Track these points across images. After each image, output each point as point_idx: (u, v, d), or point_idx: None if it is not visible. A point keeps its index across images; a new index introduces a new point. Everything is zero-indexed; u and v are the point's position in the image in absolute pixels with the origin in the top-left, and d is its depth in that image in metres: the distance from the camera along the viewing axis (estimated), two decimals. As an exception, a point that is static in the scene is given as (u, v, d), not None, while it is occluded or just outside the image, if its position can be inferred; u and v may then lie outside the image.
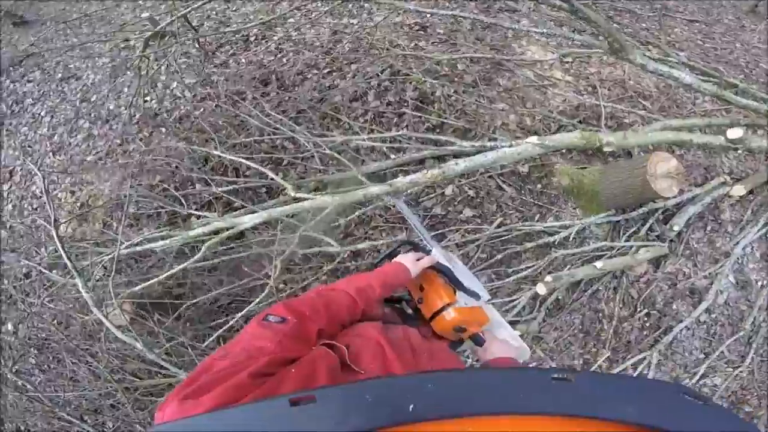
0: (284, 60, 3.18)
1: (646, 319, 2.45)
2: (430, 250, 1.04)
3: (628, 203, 2.40)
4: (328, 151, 2.09)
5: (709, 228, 2.60)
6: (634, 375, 2.28)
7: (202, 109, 3.01)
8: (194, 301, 1.82)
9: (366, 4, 3.34)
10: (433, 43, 3.15)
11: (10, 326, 2.46)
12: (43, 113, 3.51)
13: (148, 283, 1.52)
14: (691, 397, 0.41)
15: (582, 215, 2.48)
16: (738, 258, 2.54)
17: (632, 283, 2.48)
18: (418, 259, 0.96)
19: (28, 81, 3.81)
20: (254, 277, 2.01)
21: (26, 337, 2.31)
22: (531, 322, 2.30)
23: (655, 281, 2.47)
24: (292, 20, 3.42)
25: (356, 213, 2.32)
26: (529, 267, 2.34)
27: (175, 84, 3.23)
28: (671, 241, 2.50)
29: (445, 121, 2.62)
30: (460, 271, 1.00)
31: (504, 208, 2.49)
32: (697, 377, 2.33)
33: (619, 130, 2.50)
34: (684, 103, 2.91)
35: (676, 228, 2.43)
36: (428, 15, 3.12)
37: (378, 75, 2.89)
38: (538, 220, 2.46)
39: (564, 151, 2.59)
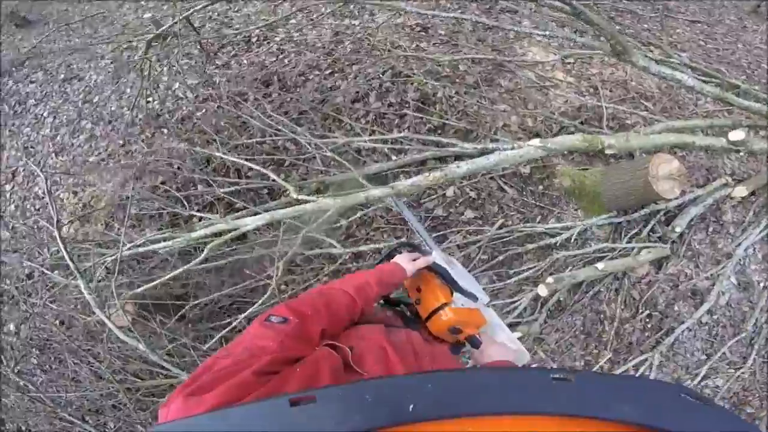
0: (286, 61, 3.18)
1: (647, 320, 2.45)
2: (430, 252, 1.04)
3: (629, 205, 2.40)
4: (329, 153, 2.09)
5: (711, 229, 2.60)
6: (635, 375, 2.28)
7: (204, 110, 3.01)
8: (196, 302, 1.82)
9: (367, 6, 3.34)
10: (434, 44, 3.15)
11: (12, 327, 2.47)
12: (45, 114, 3.52)
13: (151, 284, 1.52)
14: (691, 398, 0.41)
15: (583, 216, 2.48)
16: (740, 259, 2.53)
17: (634, 284, 2.48)
18: (414, 260, 0.96)
19: (31, 82, 3.82)
20: (256, 278, 2.01)
21: (28, 338, 2.32)
22: (532, 324, 2.30)
23: (657, 282, 2.46)
24: (293, 21, 3.42)
25: (358, 214, 2.33)
26: (530, 268, 2.34)
27: (177, 85, 3.23)
28: (673, 242, 2.50)
29: (447, 122, 2.62)
30: (459, 273, 1.00)
31: (505, 210, 2.49)
32: (699, 378, 2.33)
33: (620, 131, 2.50)
34: (686, 104, 2.91)
35: (678, 229, 2.42)
36: (430, 16, 3.12)
37: (379, 76, 2.89)
38: (539, 222, 2.46)
39: (566, 152, 2.59)
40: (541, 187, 2.53)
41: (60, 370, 2.23)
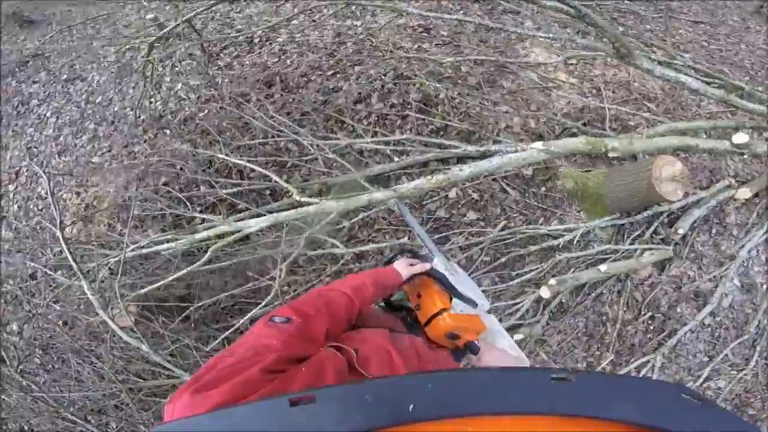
0: (288, 62, 3.18)
1: (650, 322, 2.44)
2: (431, 259, 1.04)
3: (633, 206, 2.39)
4: (331, 155, 2.09)
5: (714, 231, 2.59)
6: (635, 375, 2.28)
7: (206, 111, 3.02)
8: (199, 304, 1.82)
9: (369, 7, 3.34)
10: (436, 45, 3.15)
11: (15, 327, 2.48)
12: (48, 114, 3.53)
13: (154, 285, 1.52)
14: (691, 398, 0.41)
15: (586, 218, 2.48)
16: (743, 261, 2.52)
17: (636, 286, 2.47)
18: (411, 265, 0.98)
19: (34, 82, 3.83)
20: (259, 279, 2.02)
21: (32, 338, 2.33)
22: (534, 325, 2.30)
23: (660, 284, 2.46)
24: (295, 22, 3.42)
25: (360, 216, 2.33)
26: (532, 270, 2.34)
27: (179, 86, 3.24)
28: (676, 244, 2.49)
29: (449, 123, 2.61)
30: (461, 279, 1.00)
31: (508, 211, 2.48)
32: (701, 380, 2.33)
33: (623, 132, 2.49)
34: (689, 105, 2.90)
35: (681, 231, 2.42)
36: (431, 17, 3.12)
37: (381, 77, 2.89)
38: (542, 223, 2.46)
39: (568, 155, 2.58)
40: (543, 188, 2.52)
41: (63, 370, 2.24)
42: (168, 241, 1.58)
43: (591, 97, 2.81)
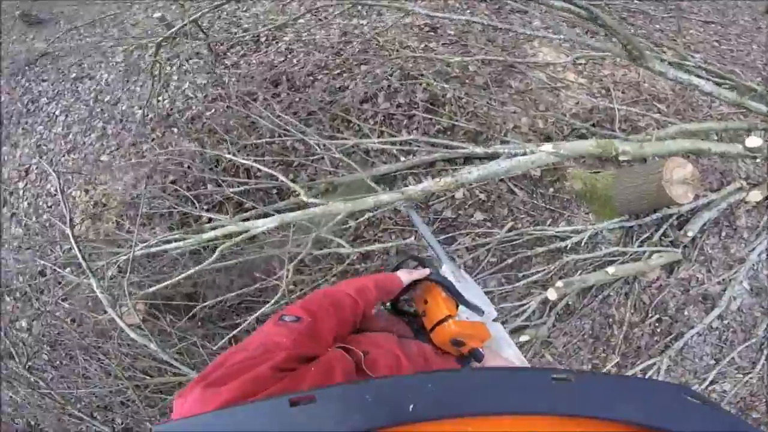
0: (294, 61, 3.18)
1: (657, 324, 2.43)
2: (438, 266, 1.05)
3: (642, 209, 2.37)
4: (338, 155, 2.09)
5: (724, 234, 2.56)
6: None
7: (213, 110, 3.03)
8: (207, 303, 1.83)
9: (375, 6, 3.33)
10: (443, 44, 3.13)
11: (24, 323, 2.51)
12: (57, 112, 3.56)
13: (163, 284, 1.53)
14: (692, 398, 0.41)
15: (594, 220, 2.46)
16: (753, 264, 2.49)
17: (644, 288, 2.46)
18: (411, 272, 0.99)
19: (43, 80, 3.86)
20: (265, 278, 2.02)
21: (40, 334, 2.35)
22: (540, 327, 2.29)
23: (668, 287, 2.44)
24: (302, 21, 3.42)
25: (366, 216, 2.32)
26: (539, 271, 2.33)
27: (186, 84, 3.25)
28: (685, 246, 2.47)
29: (456, 123, 2.60)
30: (469, 286, 1.01)
31: (515, 212, 2.47)
32: (707, 383, 2.32)
33: (633, 133, 2.47)
34: (700, 106, 2.86)
35: (690, 234, 2.39)
36: (438, 16, 3.10)
37: (388, 77, 2.88)
38: (549, 225, 2.44)
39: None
40: (551, 189, 2.51)
41: (70, 367, 2.26)
42: (176, 240, 1.59)
43: (600, 98, 2.79)
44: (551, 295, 2.17)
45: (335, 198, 2.55)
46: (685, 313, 2.43)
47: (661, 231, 2.45)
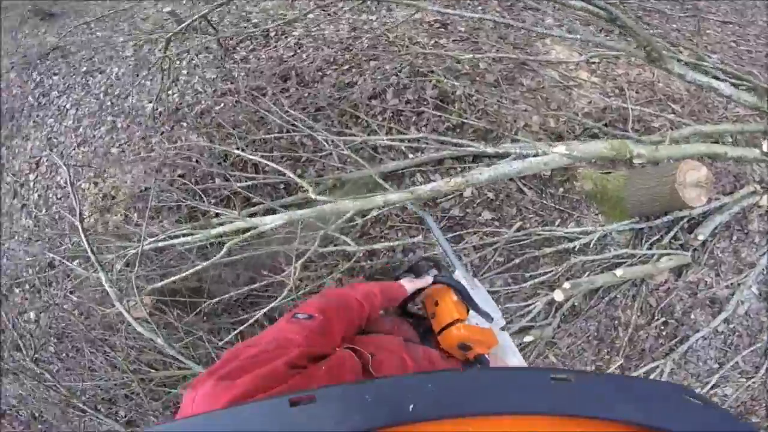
0: (304, 56, 3.17)
1: (662, 327, 2.41)
2: (453, 269, 1.06)
3: (653, 211, 2.34)
4: (346, 151, 2.08)
5: (735, 238, 2.53)
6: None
7: (222, 104, 3.03)
8: (214, 300, 1.84)
9: (385, 2, 3.31)
10: (453, 40, 3.10)
11: (32, 315, 2.53)
12: (68, 106, 3.59)
13: (172, 279, 1.54)
14: (691, 398, 0.41)
15: (604, 221, 2.43)
16: (763, 269, 2.46)
17: (651, 291, 2.43)
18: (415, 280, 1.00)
19: (54, 74, 3.89)
20: (272, 276, 2.03)
21: (48, 326, 2.37)
22: (545, 328, 2.27)
23: (676, 290, 2.41)
24: (311, 16, 3.40)
25: (373, 213, 2.31)
26: (547, 272, 2.31)
27: (196, 79, 3.26)
28: (695, 250, 2.44)
29: (466, 121, 2.58)
30: (479, 293, 1.01)
31: (524, 212, 2.45)
32: (709, 387, 2.31)
33: (646, 134, 2.42)
34: (715, 108, 2.81)
35: (701, 237, 2.36)
36: (450, 13, 3.07)
37: (397, 73, 2.86)
38: (558, 225, 2.42)
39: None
40: (561, 189, 2.48)
41: (77, 359, 2.28)
42: (184, 235, 1.59)
43: (613, 97, 2.74)
44: (558, 296, 2.16)
45: (342, 194, 2.55)
46: (692, 316, 2.41)
47: (672, 234, 2.42)
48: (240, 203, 2.50)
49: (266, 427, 0.37)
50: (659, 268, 2.31)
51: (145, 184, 2.69)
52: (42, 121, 3.61)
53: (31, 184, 3.32)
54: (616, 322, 2.41)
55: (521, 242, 2.35)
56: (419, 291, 0.99)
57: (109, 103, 3.43)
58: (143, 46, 3.65)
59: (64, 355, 2.40)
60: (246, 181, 2.43)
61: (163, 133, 3.04)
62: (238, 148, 2.40)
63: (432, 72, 2.78)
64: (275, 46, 3.32)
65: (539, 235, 2.33)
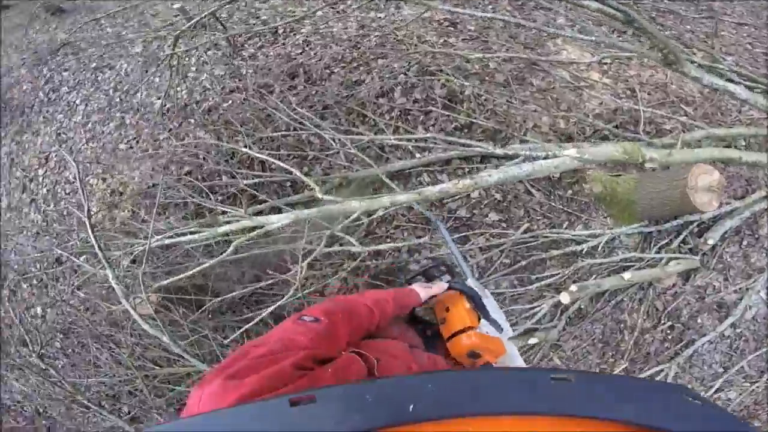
0: (312, 54, 3.16)
1: (669, 331, 2.39)
2: (466, 277, 1.05)
3: (664, 215, 2.31)
4: (353, 150, 2.07)
5: (745, 243, 2.49)
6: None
7: (230, 102, 3.03)
8: (220, 299, 1.84)
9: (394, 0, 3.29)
10: (463, 39, 3.07)
11: (39, 310, 2.55)
12: (78, 102, 3.61)
13: (179, 277, 1.54)
14: (691, 398, 0.41)
15: (613, 224, 2.40)
16: (772, 274, 2.42)
17: (659, 295, 2.41)
18: (430, 287, 1.00)
19: (64, 70, 3.92)
20: (278, 276, 2.03)
21: (54, 322, 2.39)
22: (551, 330, 2.26)
23: (683, 294, 2.39)
24: (320, 13, 3.39)
25: (379, 212, 2.30)
26: (554, 275, 2.29)
27: (204, 75, 3.26)
28: (704, 254, 2.40)
29: (475, 121, 2.55)
30: (490, 302, 1.00)
31: (531, 214, 2.42)
32: (713, 391, 2.30)
33: (657, 136, 2.39)
34: (729, 110, 2.76)
35: (710, 241, 2.32)
36: (460, 12, 3.04)
37: (405, 72, 2.84)
38: (566, 228, 2.39)
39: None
40: (570, 191, 2.45)
41: (82, 355, 2.30)
42: (191, 233, 1.59)
43: (625, 99, 2.70)
44: (564, 298, 2.13)
45: (349, 193, 2.54)
46: (698, 320, 2.39)
47: (681, 238, 2.39)
48: (246, 201, 2.50)
49: (266, 427, 0.37)
50: (667, 271, 2.28)
51: (153, 181, 2.70)
52: (52, 116, 3.64)
53: (41, 179, 3.35)
54: (622, 325, 2.39)
55: (528, 244, 2.33)
56: (430, 298, 0.98)
57: (118, 100, 3.45)
58: (152, 42, 3.66)
59: (69, 350, 2.41)
60: (253, 179, 2.43)
61: (171, 129, 3.04)
62: (245, 146, 2.40)
63: (441, 71, 2.75)
64: (283, 44, 3.31)
65: (546, 237, 2.31)
